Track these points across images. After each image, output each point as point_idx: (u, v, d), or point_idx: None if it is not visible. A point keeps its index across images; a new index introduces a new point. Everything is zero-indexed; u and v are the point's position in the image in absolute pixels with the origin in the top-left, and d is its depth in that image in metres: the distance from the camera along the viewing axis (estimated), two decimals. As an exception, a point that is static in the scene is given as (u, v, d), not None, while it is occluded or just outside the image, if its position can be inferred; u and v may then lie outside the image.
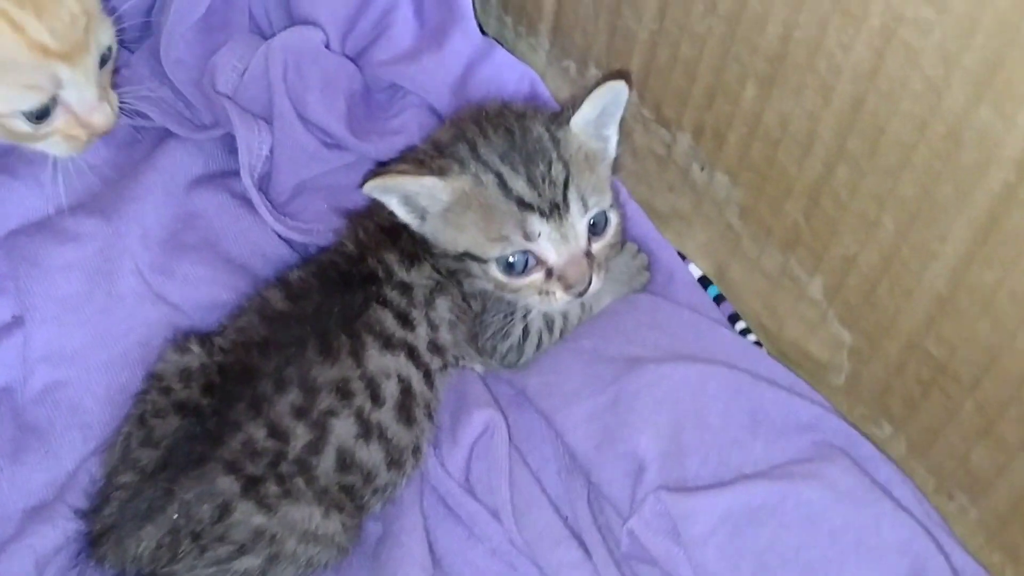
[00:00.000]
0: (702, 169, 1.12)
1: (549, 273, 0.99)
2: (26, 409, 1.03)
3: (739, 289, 1.14)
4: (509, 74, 1.26)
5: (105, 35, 0.93)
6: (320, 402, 0.93)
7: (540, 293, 1.00)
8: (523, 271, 0.99)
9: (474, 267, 1.00)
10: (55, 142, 0.93)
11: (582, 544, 0.95)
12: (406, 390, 0.97)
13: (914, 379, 0.96)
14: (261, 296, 1.02)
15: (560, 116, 1.02)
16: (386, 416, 0.96)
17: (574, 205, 0.97)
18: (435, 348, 1.01)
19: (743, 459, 0.96)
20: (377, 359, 0.96)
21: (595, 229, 1.00)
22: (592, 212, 0.98)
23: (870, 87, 0.88)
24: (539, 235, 0.96)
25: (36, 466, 1.00)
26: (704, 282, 1.18)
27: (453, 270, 1.02)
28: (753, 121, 1.02)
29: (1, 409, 1.03)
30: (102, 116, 0.94)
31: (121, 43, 1.07)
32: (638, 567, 0.93)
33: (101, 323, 1.07)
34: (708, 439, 0.97)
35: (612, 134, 1.05)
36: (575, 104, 1.01)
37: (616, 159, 1.08)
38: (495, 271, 0.99)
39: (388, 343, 0.97)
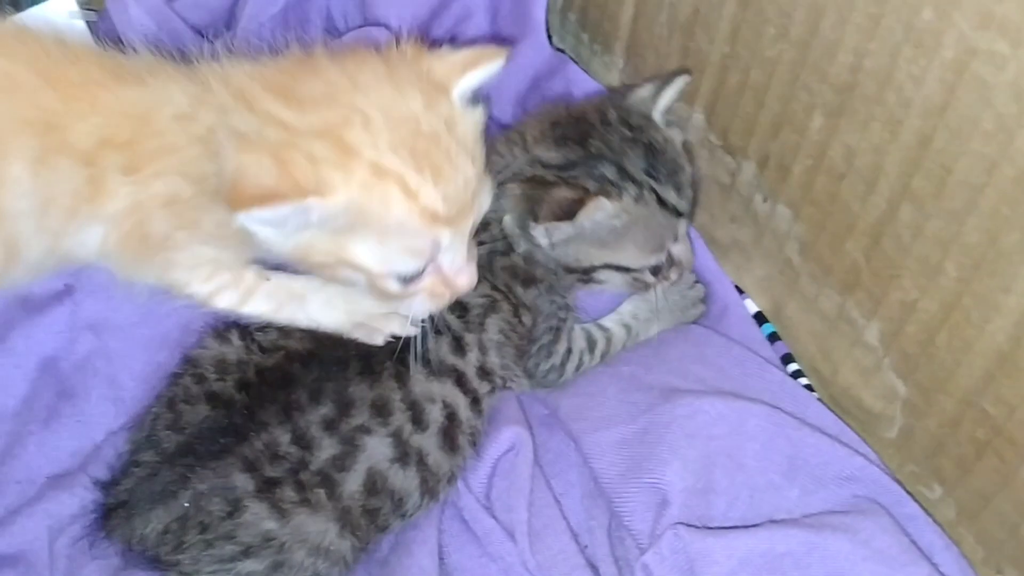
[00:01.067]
0: (765, 200, 1.07)
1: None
2: (67, 376, 1.05)
3: (794, 328, 1.10)
4: (580, 90, 1.24)
5: (487, 196, 0.89)
6: (353, 417, 0.92)
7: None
8: (662, 270, 1.05)
9: (609, 275, 1.04)
10: (419, 301, 0.89)
11: (596, 573, 0.91)
12: (451, 415, 0.95)
13: (968, 439, 0.90)
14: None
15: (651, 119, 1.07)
16: (428, 442, 0.93)
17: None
18: (484, 373, 0.99)
19: (776, 505, 0.92)
20: (423, 384, 0.94)
21: None
22: None
23: (939, 123, 0.84)
24: (677, 237, 1.04)
25: (66, 434, 1.02)
26: (759, 318, 1.13)
27: (547, 281, 1.03)
28: (818, 153, 0.98)
29: (45, 377, 1.04)
30: (468, 277, 0.89)
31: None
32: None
33: (147, 301, 1.08)
34: (740, 479, 0.93)
35: None
36: (650, 97, 1.07)
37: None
38: (646, 276, 1.05)
39: (436, 370, 0.95)
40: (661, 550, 0.86)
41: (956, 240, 0.86)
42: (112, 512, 0.91)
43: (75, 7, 1.27)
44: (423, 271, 0.86)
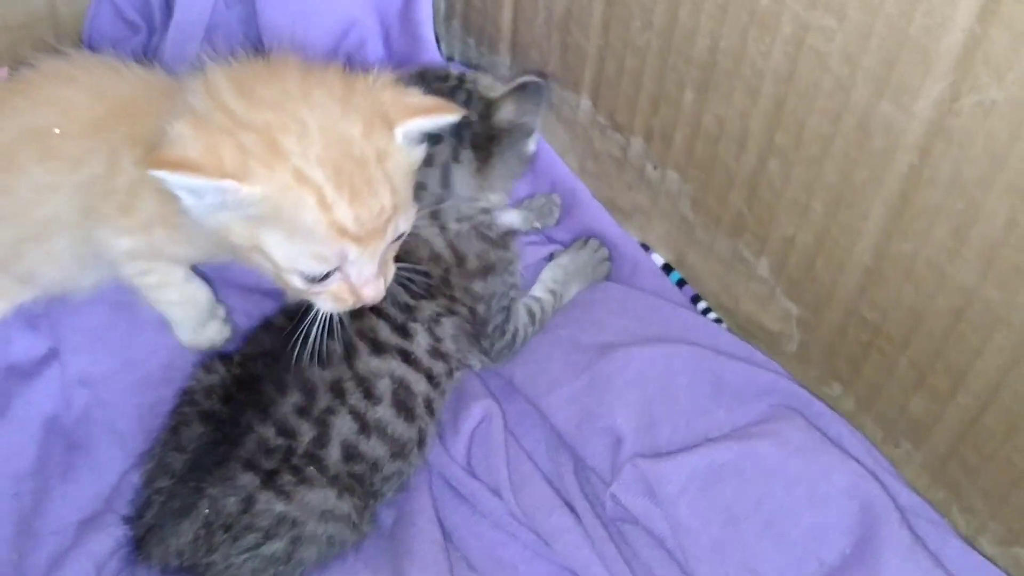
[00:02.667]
0: (655, 168, 1.23)
1: None
2: (71, 431, 1.15)
3: (697, 272, 1.26)
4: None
5: (405, 223, 0.97)
6: (319, 401, 1.04)
7: None
8: None
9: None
10: (323, 299, 0.98)
11: (573, 511, 1.07)
12: (401, 388, 1.07)
13: (855, 342, 1.08)
14: (266, 318, 1.13)
15: None
16: (385, 413, 1.06)
17: None
18: (438, 354, 1.11)
19: (709, 425, 1.08)
20: (367, 361, 1.06)
21: None
22: None
23: (789, 88, 1.00)
24: None
25: (84, 482, 1.12)
26: (667, 269, 1.29)
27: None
28: (694, 123, 1.14)
29: (51, 435, 1.14)
30: (373, 291, 0.97)
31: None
32: (622, 526, 1.05)
33: (126, 349, 1.19)
34: (676, 410, 1.09)
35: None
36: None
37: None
38: None
39: (379, 348, 1.07)
40: (623, 480, 1.02)
41: (817, 181, 1.02)
42: (145, 539, 1.03)
43: None
44: (327, 277, 0.95)
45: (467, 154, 1.14)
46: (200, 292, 1.18)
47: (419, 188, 1.10)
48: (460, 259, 1.14)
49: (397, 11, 1.38)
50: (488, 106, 1.15)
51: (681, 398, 1.09)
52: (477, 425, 1.13)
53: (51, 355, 1.19)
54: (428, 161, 1.08)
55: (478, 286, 1.15)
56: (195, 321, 1.18)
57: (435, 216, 1.14)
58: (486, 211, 1.17)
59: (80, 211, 1.04)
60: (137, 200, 1.03)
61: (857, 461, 1.03)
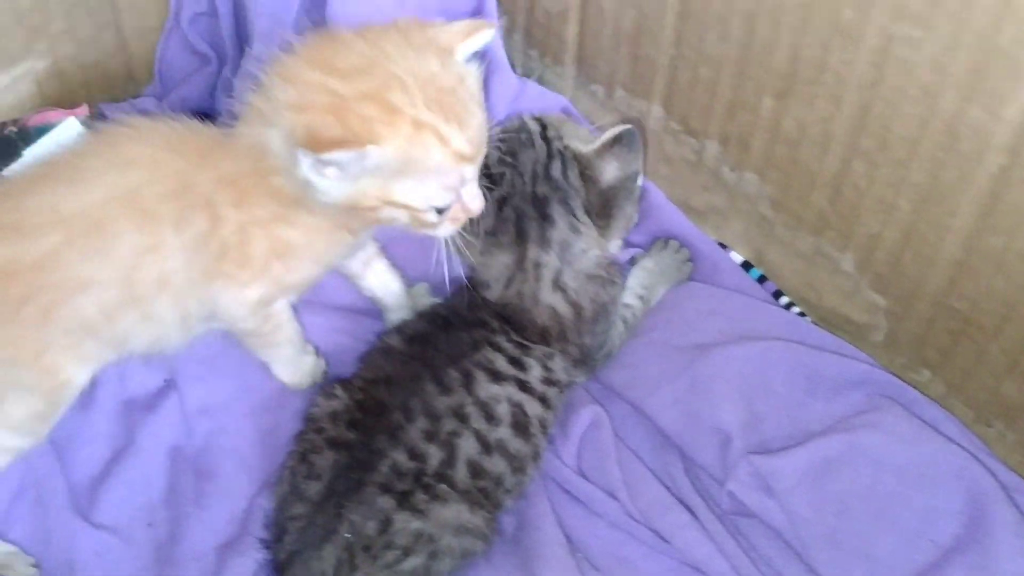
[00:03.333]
0: (732, 170, 1.28)
1: None
2: (197, 459, 1.20)
3: (778, 269, 1.30)
4: (541, 104, 1.42)
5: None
6: (444, 426, 1.10)
7: None
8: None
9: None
10: (445, 227, 1.06)
11: (688, 508, 1.12)
12: (520, 411, 1.12)
13: (944, 331, 1.13)
14: (383, 340, 1.19)
15: None
16: (504, 433, 1.11)
17: None
18: (550, 382, 1.16)
19: (809, 418, 1.13)
20: (487, 388, 1.12)
21: None
22: None
23: (874, 95, 1.04)
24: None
25: (217, 508, 1.17)
26: (746, 266, 1.34)
27: None
28: (773, 128, 1.18)
29: (177, 464, 1.19)
30: (479, 201, 1.05)
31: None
32: (738, 520, 1.11)
33: (240, 376, 1.25)
34: (777, 405, 1.14)
35: None
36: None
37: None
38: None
39: (497, 377, 1.12)
40: (739, 477, 1.08)
41: (904, 182, 1.07)
42: (287, 564, 1.08)
43: (81, 127, 1.39)
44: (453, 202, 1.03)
45: (586, 223, 1.20)
46: (297, 328, 1.23)
47: (536, 267, 1.17)
48: (578, 312, 1.19)
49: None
50: (587, 166, 1.21)
51: (780, 393, 1.15)
52: (586, 430, 1.19)
53: (168, 387, 1.24)
54: (544, 242, 1.17)
55: (592, 334, 1.20)
56: (296, 359, 1.24)
57: (556, 284, 1.18)
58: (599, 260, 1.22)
59: (199, 274, 1.08)
60: (248, 244, 1.08)
61: (958, 444, 1.08)
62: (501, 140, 1.17)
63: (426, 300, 1.32)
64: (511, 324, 1.16)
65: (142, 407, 1.22)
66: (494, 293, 1.19)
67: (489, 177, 1.18)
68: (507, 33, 1.49)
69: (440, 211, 1.03)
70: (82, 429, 1.20)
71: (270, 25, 1.32)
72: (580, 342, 1.20)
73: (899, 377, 1.18)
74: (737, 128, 1.23)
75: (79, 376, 1.12)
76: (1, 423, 1.09)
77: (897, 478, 1.05)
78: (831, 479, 1.06)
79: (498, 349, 1.14)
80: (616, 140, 1.20)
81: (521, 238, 1.19)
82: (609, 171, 1.21)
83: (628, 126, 1.20)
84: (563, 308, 1.18)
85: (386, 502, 1.07)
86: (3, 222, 1.05)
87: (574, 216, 1.19)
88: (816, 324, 1.26)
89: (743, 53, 1.16)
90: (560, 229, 1.19)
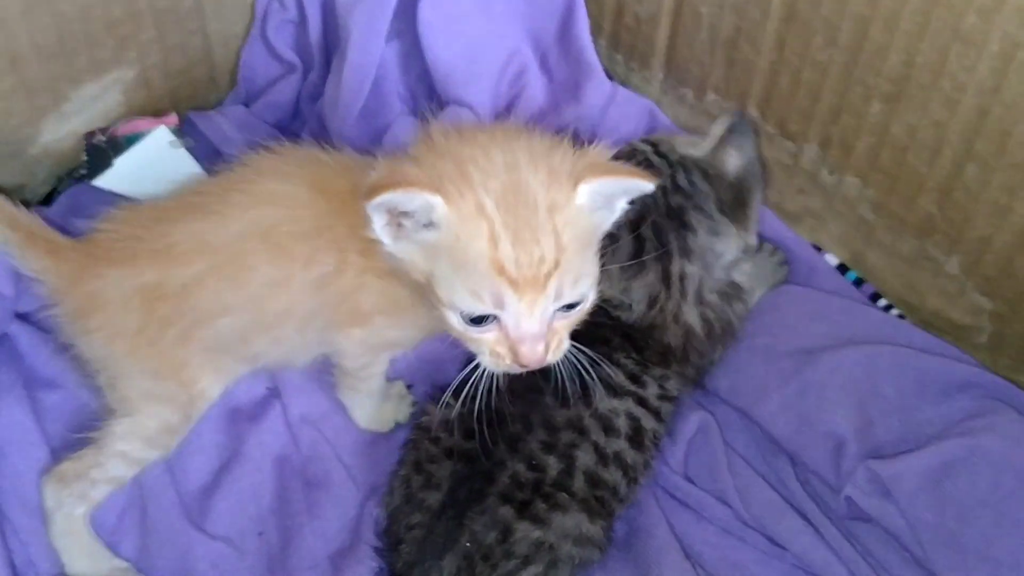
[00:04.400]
0: (831, 173, 1.28)
1: None
2: (304, 468, 1.21)
3: (878, 271, 1.31)
4: (630, 108, 1.43)
5: (574, 290, 0.96)
6: (562, 438, 1.11)
7: None
8: None
9: None
10: (483, 353, 0.99)
11: (802, 513, 1.13)
12: (635, 425, 1.13)
13: (1054, 334, 1.14)
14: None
15: None
16: (621, 446, 1.12)
17: None
18: (665, 398, 1.17)
19: (919, 421, 1.13)
20: (606, 402, 1.12)
21: None
22: None
23: (994, 100, 1.05)
24: None
25: (328, 516, 1.18)
26: (841, 269, 1.34)
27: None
28: (880, 132, 1.18)
29: (284, 473, 1.20)
30: (530, 350, 0.95)
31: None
32: (853, 525, 1.12)
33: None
34: (887, 409, 1.14)
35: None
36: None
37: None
38: None
39: (616, 392, 1.13)
40: (858, 482, 1.08)
41: (1022, 186, 1.07)
42: (405, 572, 1.09)
43: (172, 136, 1.40)
44: (485, 321, 0.96)
45: (723, 222, 1.21)
46: (383, 385, 1.24)
47: (681, 280, 1.18)
48: (708, 330, 1.20)
49: (553, 37, 1.42)
50: (709, 166, 1.22)
51: (890, 397, 1.15)
52: (693, 436, 1.19)
53: (271, 395, 1.24)
54: (686, 252, 1.18)
55: (717, 353, 1.22)
56: (374, 409, 1.25)
57: (699, 298, 1.19)
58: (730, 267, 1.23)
59: (315, 309, 1.10)
60: (361, 291, 1.09)
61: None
62: None
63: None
64: (632, 344, 1.17)
65: (247, 417, 1.23)
66: (634, 315, 1.18)
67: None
68: (592, 38, 1.49)
69: (475, 323, 0.96)
70: (190, 440, 1.20)
71: (364, 34, 1.32)
72: (700, 363, 1.20)
73: (1005, 379, 1.18)
74: (840, 132, 1.23)
75: (213, 388, 1.15)
76: (137, 434, 1.11)
77: (1017, 480, 1.05)
78: (950, 483, 1.07)
79: (618, 365, 1.14)
80: (729, 131, 1.22)
81: (664, 253, 1.18)
82: (732, 163, 1.23)
83: (735, 114, 1.21)
84: (698, 326, 1.19)
85: (507, 512, 1.07)
86: (155, 247, 1.09)
87: (711, 218, 1.20)
88: (917, 326, 1.26)
89: (851, 57, 1.16)
90: (700, 235, 1.19)
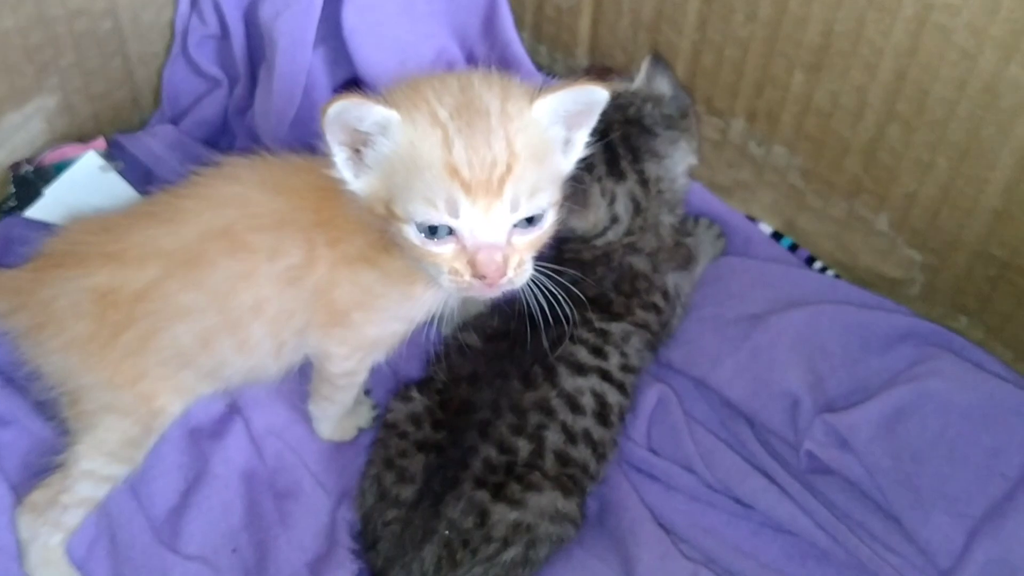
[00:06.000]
0: (759, 145, 1.32)
1: None
2: (271, 479, 1.20)
3: (810, 235, 1.36)
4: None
5: (532, 202, 0.93)
6: (531, 419, 1.13)
7: None
8: None
9: None
10: (442, 270, 0.95)
11: (764, 473, 1.17)
12: (601, 402, 1.16)
13: (983, 278, 1.19)
14: (458, 339, 1.21)
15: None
16: (588, 423, 1.15)
17: None
18: (627, 368, 1.20)
19: (866, 373, 1.19)
20: (571, 381, 1.15)
21: None
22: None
23: (911, 61, 1.10)
24: None
25: (301, 525, 1.17)
26: (776, 236, 1.39)
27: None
28: (804, 101, 1.23)
29: (253, 486, 1.19)
30: (486, 257, 0.92)
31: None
32: (814, 479, 1.16)
33: (299, 398, 1.25)
34: (836, 364, 1.20)
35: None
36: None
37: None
38: None
39: (580, 369, 1.16)
40: (816, 436, 1.13)
41: (942, 141, 1.13)
42: (385, 570, 1.10)
43: (102, 161, 1.38)
44: (441, 232, 0.92)
45: (676, 134, 1.29)
46: (355, 397, 1.23)
47: (658, 181, 1.28)
48: (676, 240, 1.28)
49: (479, 33, 1.44)
50: (647, 96, 1.29)
51: (837, 352, 1.20)
52: (653, 408, 1.23)
53: (231, 411, 1.24)
54: (654, 154, 1.28)
55: (676, 278, 1.27)
56: (340, 421, 1.25)
57: (669, 205, 1.29)
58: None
59: (288, 308, 1.09)
60: (334, 288, 1.08)
61: (1008, 381, 1.15)
62: None
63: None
64: (597, 305, 1.20)
65: (208, 435, 1.22)
66: (621, 228, 1.26)
67: None
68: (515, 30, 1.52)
69: (432, 234, 0.93)
70: (153, 463, 1.19)
71: (291, 44, 1.32)
72: (664, 286, 1.26)
73: (940, 325, 1.24)
74: (765, 104, 1.28)
75: (173, 405, 1.13)
76: (99, 449, 1.09)
77: (964, 419, 1.11)
78: (902, 427, 1.12)
79: (579, 341, 1.17)
80: (652, 66, 1.31)
81: (636, 157, 1.26)
82: (664, 85, 1.31)
83: (652, 53, 1.33)
84: (670, 235, 1.28)
85: (483, 495, 1.09)
86: (105, 251, 1.07)
87: (666, 129, 1.28)
88: (853, 284, 1.32)
89: (772, 31, 1.20)
90: (663, 138, 1.27)
